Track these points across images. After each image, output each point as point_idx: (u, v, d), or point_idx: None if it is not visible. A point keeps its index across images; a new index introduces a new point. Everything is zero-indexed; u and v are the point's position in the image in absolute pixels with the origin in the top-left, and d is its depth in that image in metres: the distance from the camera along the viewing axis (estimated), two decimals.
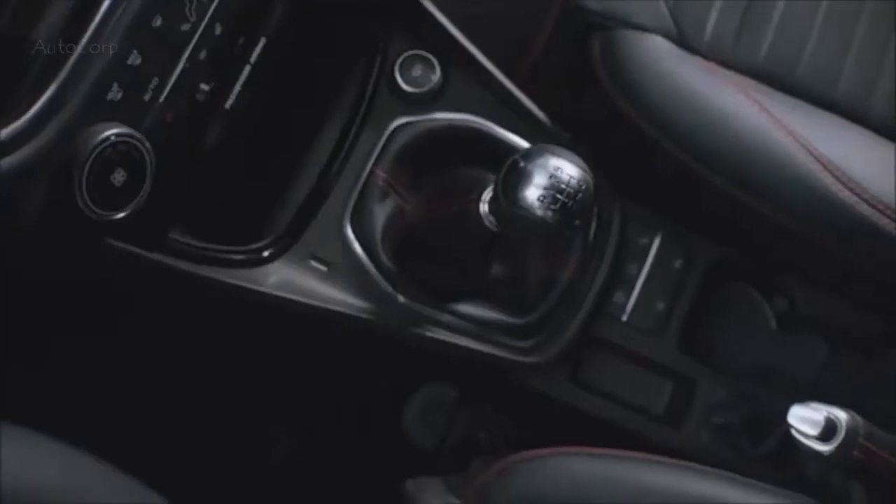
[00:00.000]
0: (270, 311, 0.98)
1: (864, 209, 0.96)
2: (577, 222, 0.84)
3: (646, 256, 1.10)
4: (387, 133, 1.01)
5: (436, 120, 1.02)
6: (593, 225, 1.05)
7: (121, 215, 0.81)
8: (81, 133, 0.77)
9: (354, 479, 1.22)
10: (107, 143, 0.78)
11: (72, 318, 1.10)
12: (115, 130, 0.78)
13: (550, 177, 0.82)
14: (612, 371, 1.11)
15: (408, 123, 1.01)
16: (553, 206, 0.82)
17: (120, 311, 1.08)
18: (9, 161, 0.72)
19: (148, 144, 0.80)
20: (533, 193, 0.82)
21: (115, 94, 0.79)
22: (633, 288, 1.10)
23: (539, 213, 0.82)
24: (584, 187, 0.83)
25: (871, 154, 1.01)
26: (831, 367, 1.12)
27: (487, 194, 0.91)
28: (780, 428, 1.08)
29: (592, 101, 1.06)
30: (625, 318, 1.10)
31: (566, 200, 0.82)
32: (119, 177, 0.80)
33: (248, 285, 0.95)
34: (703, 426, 1.10)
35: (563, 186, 0.82)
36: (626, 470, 0.97)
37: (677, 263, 1.10)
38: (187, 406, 1.19)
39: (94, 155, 0.77)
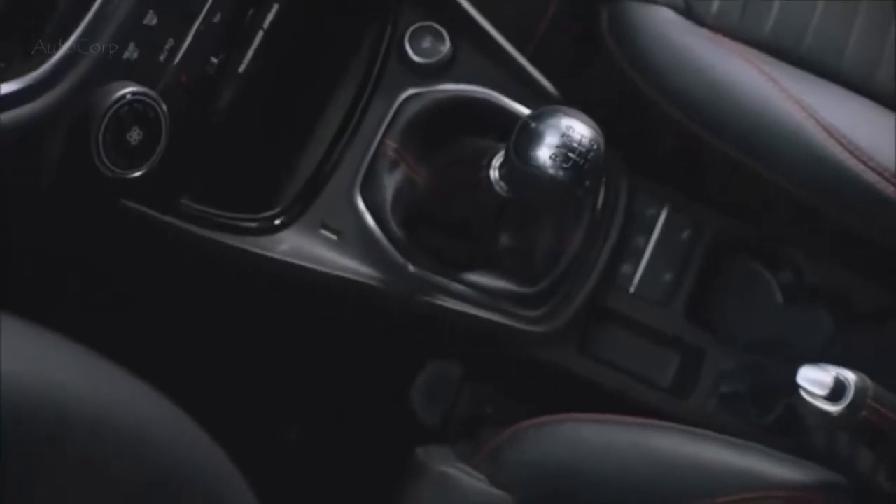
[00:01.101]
0: (281, 280, 0.98)
1: (871, 177, 0.97)
2: (587, 182, 0.84)
3: (653, 228, 1.10)
4: (397, 103, 1.02)
5: (445, 91, 1.03)
6: (601, 196, 1.06)
7: (136, 174, 0.82)
8: (98, 90, 0.78)
9: (363, 458, 1.22)
10: (123, 102, 0.79)
11: (80, 293, 1.11)
12: (131, 89, 0.79)
13: (562, 136, 0.83)
14: (620, 342, 1.11)
15: (417, 94, 1.02)
16: (565, 165, 0.83)
17: (129, 286, 1.09)
18: (24, 110, 0.72)
19: (164, 105, 0.81)
20: (545, 153, 0.83)
21: (131, 53, 0.80)
22: (640, 259, 1.10)
23: (551, 171, 0.83)
24: (595, 146, 0.83)
25: (875, 123, 1.02)
26: (837, 339, 1.13)
27: (498, 160, 0.91)
28: (786, 398, 1.08)
29: (600, 73, 1.07)
30: (632, 289, 1.10)
31: (578, 159, 0.83)
32: (135, 135, 0.80)
33: (260, 251, 0.96)
34: (711, 396, 1.10)
35: (575, 145, 0.83)
36: (638, 435, 0.98)
37: (684, 235, 1.11)
38: (195, 385, 1.19)
39: (110, 112, 0.78)
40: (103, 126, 0.78)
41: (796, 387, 1.04)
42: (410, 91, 1.02)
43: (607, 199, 1.07)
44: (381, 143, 1.01)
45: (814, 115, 0.98)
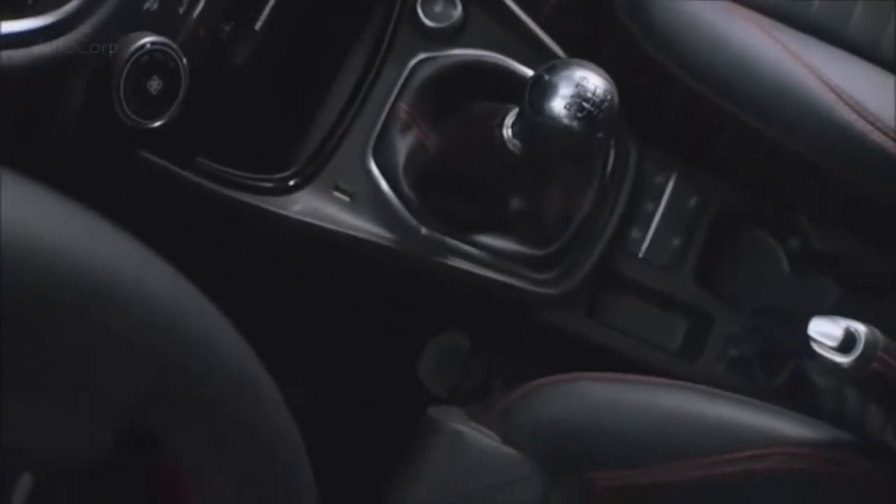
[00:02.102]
0: (295, 239, 0.99)
1: (878, 137, 0.99)
2: (601, 133, 0.86)
3: (661, 195, 1.12)
4: (409, 67, 1.03)
5: (457, 56, 1.04)
6: (610, 161, 1.07)
7: (156, 124, 0.82)
8: (119, 38, 0.79)
9: (368, 424, 1.23)
10: (143, 51, 0.80)
11: None
12: (151, 38, 0.80)
13: (576, 86, 0.84)
14: (629, 307, 1.12)
15: (429, 58, 1.03)
16: (579, 114, 0.84)
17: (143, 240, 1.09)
18: (48, 47, 0.73)
19: (183, 56, 0.82)
20: (559, 103, 0.84)
21: (151, 3, 0.81)
22: (649, 225, 1.11)
23: (566, 121, 0.84)
24: (609, 97, 0.85)
25: (881, 86, 1.04)
26: (843, 309, 1.13)
27: (510, 119, 0.92)
28: (795, 361, 1.10)
29: (610, 40, 1.09)
30: (641, 254, 1.11)
31: (592, 109, 0.84)
32: (155, 85, 0.81)
33: (276, 209, 0.97)
34: (719, 360, 1.11)
35: (589, 95, 0.84)
36: (649, 394, 0.99)
37: (692, 202, 1.12)
38: None
39: (131, 60, 0.79)
40: (124, 74, 0.79)
41: (804, 350, 1.05)
42: (422, 55, 1.03)
43: (616, 166, 1.08)
44: (394, 106, 1.02)
45: (821, 77, 1.00)
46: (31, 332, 0.40)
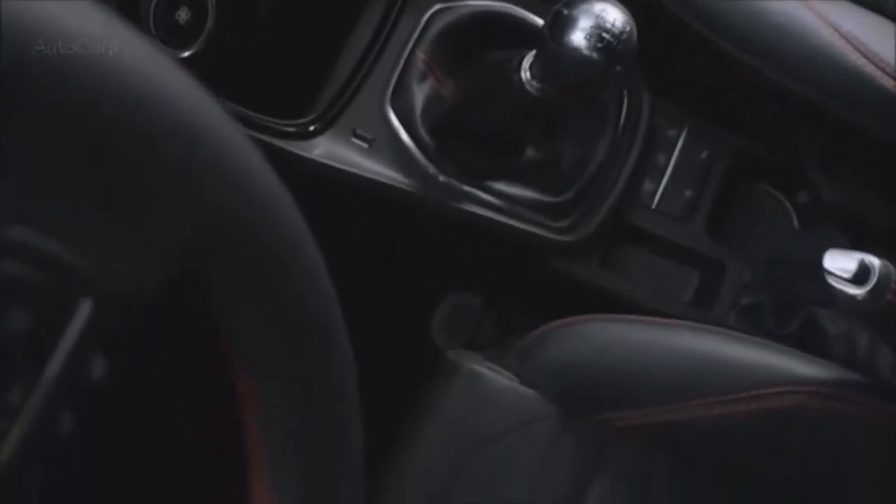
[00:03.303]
0: (314, 183, 1.00)
1: (887, 82, 1.00)
2: (619, 67, 0.87)
3: (674, 147, 1.13)
4: (426, 17, 1.04)
5: (473, 6, 1.05)
6: (623, 111, 1.09)
7: (184, 55, 0.84)
8: None
9: (383, 378, 1.23)
10: None
11: None
12: None
13: (596, 17, 0.86)
14: (642, 258, 1.14)
15: (446, 8, 1.05)
16: (599, 45, 0.85)
17: None
18: None
19: None
20: (579, 35, 0.86)
21: None
22: (662, 177, 1.13)
23: (586, 52, 0.86)
24: (627, 28, 0.86)
25: (889, 35, 1.05)
26: None
27: (528, 61, 0.94)
28: (806, 308, 1.11)
29: None
30: (654, 205, 1.13)
31: (611, 40, 0.85)
32: (183, 15, 0.83)
33: (298, 151, 0.98)
34: (731, 309, 1.13)
35: (608, 27, 0.86)
36: (663, 334, 1.00)
37: (704, 154, 1.14)
38: None
39: None
40: (154, 1, 0.81)
41: (815, 299, 1.07)
42: (438, 6, 1.05)
43: (629, 116, 1.09)
44: (411, 54, 1.03)
45: (832, 24, 1.01)
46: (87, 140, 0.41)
